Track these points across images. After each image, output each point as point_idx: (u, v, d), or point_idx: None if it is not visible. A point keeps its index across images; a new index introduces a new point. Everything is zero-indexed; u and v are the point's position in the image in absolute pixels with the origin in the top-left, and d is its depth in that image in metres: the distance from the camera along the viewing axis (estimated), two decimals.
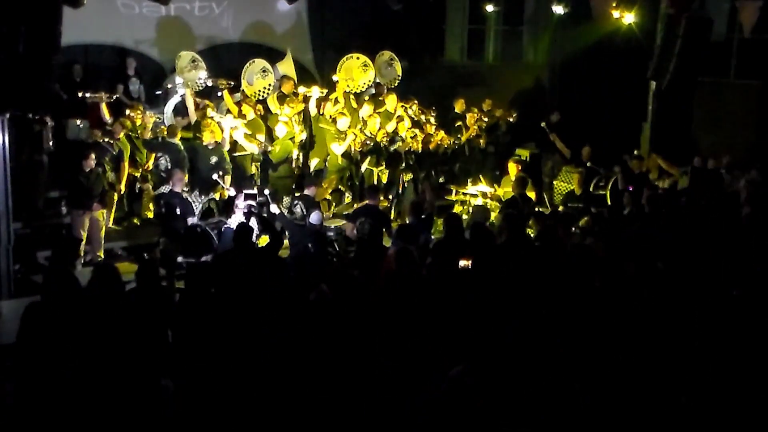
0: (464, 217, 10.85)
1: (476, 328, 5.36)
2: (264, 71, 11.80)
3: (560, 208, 10.78)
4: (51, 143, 10.32)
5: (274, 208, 9.42)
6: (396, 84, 13.24)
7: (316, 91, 11.81)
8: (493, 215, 10.14)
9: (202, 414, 4.89)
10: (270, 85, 11.81)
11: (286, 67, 12.59)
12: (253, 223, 8.93)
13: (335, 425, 4.62)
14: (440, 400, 4.41)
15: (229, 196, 10.17)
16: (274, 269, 6.85)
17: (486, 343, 5.10)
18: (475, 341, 5.02)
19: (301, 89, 11.98)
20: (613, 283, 6.08)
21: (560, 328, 5.40)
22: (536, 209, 10.17)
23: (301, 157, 11.47)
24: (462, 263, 6.77)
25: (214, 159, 10.38)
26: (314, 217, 8.62)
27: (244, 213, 9.14)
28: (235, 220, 9.26)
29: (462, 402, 4.33)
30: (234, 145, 10.91)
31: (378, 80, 13.06)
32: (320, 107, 11.79)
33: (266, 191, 10.13)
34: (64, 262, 7.22)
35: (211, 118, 10.73)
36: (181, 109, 11.49)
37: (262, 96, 11.73)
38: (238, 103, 11.45)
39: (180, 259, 8.49)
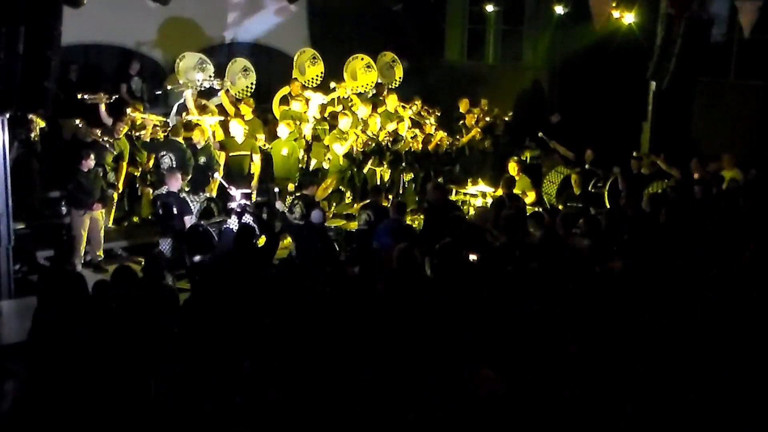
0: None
1: (479, 328, 5.37)
2: (245, 70, 11.82)
3: (560, 207, 10.79)
4: (39, 144, 10.31)
5: (279, 206, 9.45)
6: (397, 85, 13.25)
7: (320, 97, 11.84)
8: None
9: (210, 412, 4.91)
10: (252, 83, 11.82)
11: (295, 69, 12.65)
12: (248, 222, 8.96)
13: (340, 424, 4.63)
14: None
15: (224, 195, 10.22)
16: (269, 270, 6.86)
17: (489, 343, 5.12)
18: (478, 342, 5.03)
19: (308, 93, 12.03)
20: (608, 283, 6.10)
21: (563, 329, 5.42)
22: (536, 209, 10.18)
23: (305, 158, 11.54)
24: (472, 257, 6.81)
25: (202, 159, 10.44)
26: (316, 216, 8.64)
27: (237, 212, 9.17)
28: (234, 220, 9.29)
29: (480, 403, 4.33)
30: (225, 143, 10.99)
31: (379, 80, 13.08)
32: (323, 111, 11.89)
33: (276, 189, 10.18)
34: (64, 263, 7.22)
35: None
36: (181, 110, 11.52)
37: (244, 95, 11.76)
38: (236, 103, 11.52)
39: (197, 258, 8.51)
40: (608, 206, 10.66)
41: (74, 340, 5.54)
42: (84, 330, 5.60)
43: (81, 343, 5.52)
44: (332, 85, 12.37)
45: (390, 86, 13.18)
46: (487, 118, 13.31)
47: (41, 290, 6.41)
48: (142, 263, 6.96)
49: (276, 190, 10.21)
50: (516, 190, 10.39)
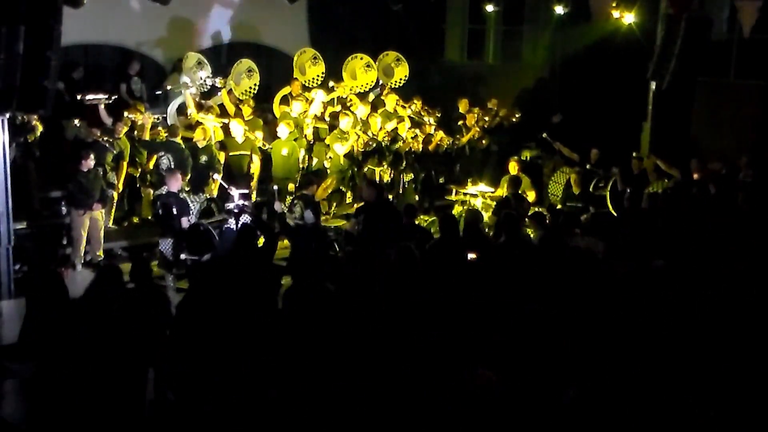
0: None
1: (477, 328, 5.37)
2: (250, 71, 11.84)
3: (558, 207, 10.79)
4: (36, 148, 10.33)
5: (278, 206, 9.45)
6: (402, 84, 13.22)
7: (321, 95, 11.84)
8: (486, 215, 10.20)
9: (204, 414, 4.90)
10: (255, 84, 11.84)
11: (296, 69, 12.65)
12: (247, 222, 8.97)
13: (340, 424, 4.62)
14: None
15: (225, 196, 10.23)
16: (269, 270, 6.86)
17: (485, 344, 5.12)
18: (476, 342, 5.03)
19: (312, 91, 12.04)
20: (609, 282, 6.10)
21: (563, 328, 5.42)
22: (536, 209, 10.18)
23: (306, 158, 11.55)
24: (471, 256, 6.84)
25: (203, 158, 10.46)
26: (307, 216, 8.65)
27: (235, 213, 9.17)
28: (233, 221, 9.30)
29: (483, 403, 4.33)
30: (225, 143, 11.00)
31: (381, 81, 13.05)
32: (325, 110, 11.89)
33: (275, 187, 10.19)
34: (49, 262, 7.21)
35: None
36: (183, 110, 11.53)
37: (247, 96, 11.78)
38: (238, 103, 11.51)
39: (183, 256, 8.56)
40: (610, 207, 10.67)
41: (62, 340, 5.52)
42: (83, 330, 5.60)
43: (76, 344, 5.51)
44: (331, 84, 12.37)
45: (393, 86, 13.15)
46: (486, 118, 13.29)
47: (26, 290, 6.41)
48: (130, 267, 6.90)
49: (275, 188, 10.20)
50: (506, 190, 10.40)
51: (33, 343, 5.64)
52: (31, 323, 5.79)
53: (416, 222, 9.11)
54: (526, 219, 8.99)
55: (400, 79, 13.13)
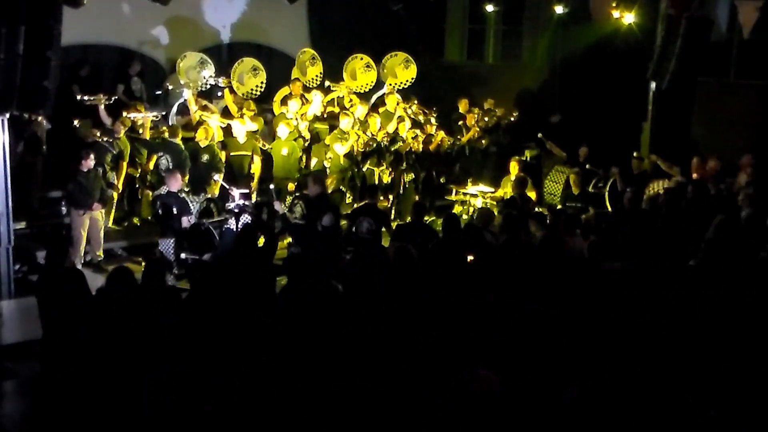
0: (464, 217, 10.88)
1: (475, 329, 5.37)
2: (255, 69, 11.83)
3: (558, 207, 10.79)
4: (44, 145, 10.35)
5: (278, 207, 9.44)
6: (407, 86, 13.19)
7: (318, 97, 11.83)
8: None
9: (204, 414, 4.90)
10: (262, 82, 11.83)
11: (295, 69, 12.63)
12: (248, 222, 8.98)
13: (340, 424, 4.63)
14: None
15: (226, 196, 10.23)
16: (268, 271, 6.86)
17: (484, 345, 5.12)
18: (475, 343, 5.03)
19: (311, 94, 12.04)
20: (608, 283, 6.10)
21: (562, 329, 5.42)
22: (536, 209, 10.18)
23: (304, 158, 11.54)
24: (470, 258, 6.86)
25: (205, 157, 10.46)
26: (326, 219, 8.63)
27: (235, 213, 9.18)
28: (233, 221, 9.31)
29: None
30: (226, 143, 11.00)
31: (385, 81, 13.02)
32: (325, 110, 11.89)
33: (272, 186, 10.19)
34: (61, 260, 7.21)
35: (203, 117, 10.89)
36: (183, 110, 11.53)
37: (254, 95, 11.76)
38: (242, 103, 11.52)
39: (184, 255, 8.59)
40: (609, 206, 10.67)
41: (78, 340, 5.54)
42: (85, 330, 5.61)
43: (82, 344, 5.52)
44: (327, 83, 12.36)
45: (398, 87, 13.11)
46: (486, 118, 13.29)
47: (40, 290, 6.40)
48: (143, 267, 6.94)
49: (272, 187, 10.22)
50: (512, 190, 10.40)
51: (62, 341, 5.65)
52: (55, 323, 5.79)
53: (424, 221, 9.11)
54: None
55: (407, 81, 13.10)
